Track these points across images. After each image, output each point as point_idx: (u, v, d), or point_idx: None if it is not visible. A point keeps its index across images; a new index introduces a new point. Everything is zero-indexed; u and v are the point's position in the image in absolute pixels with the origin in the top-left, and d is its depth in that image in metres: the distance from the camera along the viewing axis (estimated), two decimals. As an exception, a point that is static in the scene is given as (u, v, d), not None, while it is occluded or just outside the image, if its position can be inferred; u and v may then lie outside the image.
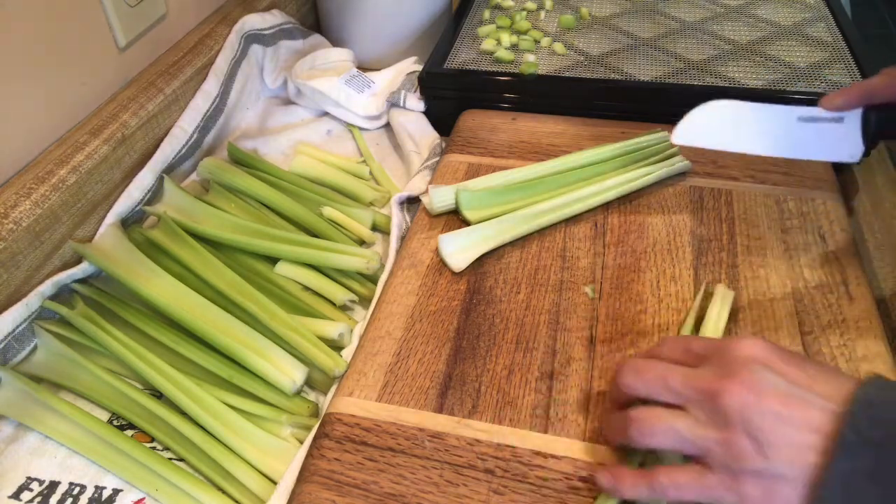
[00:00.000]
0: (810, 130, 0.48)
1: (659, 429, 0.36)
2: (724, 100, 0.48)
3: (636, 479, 0.37)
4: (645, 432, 0.37)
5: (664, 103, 0.69)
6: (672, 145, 0.63)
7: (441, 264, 0.55)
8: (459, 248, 0.55)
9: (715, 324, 0.47)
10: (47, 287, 0.55)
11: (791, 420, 0.33)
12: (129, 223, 0.64)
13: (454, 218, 0.59)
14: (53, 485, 0.47)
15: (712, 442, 0.35)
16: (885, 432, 0.31)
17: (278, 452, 0.47)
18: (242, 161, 0.71)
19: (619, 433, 0.39)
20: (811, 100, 0.64)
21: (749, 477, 0.34)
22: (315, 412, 0.50)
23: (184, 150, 0.69)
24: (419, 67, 0.77)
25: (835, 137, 0.48)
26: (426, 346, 0.49)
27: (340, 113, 0.78)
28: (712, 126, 0.49)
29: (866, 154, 0.48)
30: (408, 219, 0.63)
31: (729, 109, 0.48)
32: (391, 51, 0.87)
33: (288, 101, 0.82)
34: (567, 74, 0.71)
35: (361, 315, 0.58)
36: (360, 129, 0.78)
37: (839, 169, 0.64)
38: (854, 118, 0.47)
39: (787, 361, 0.35)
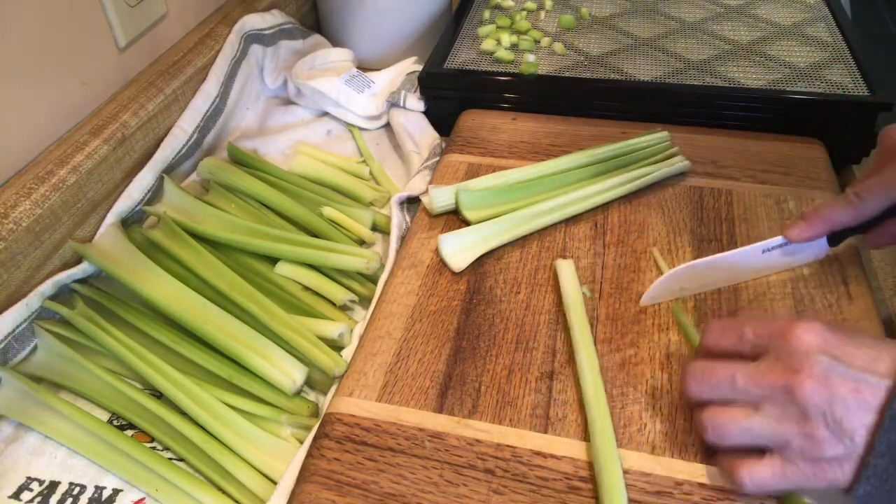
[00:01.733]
0: (776, 253, 0.49)
1: (734, 431, 0.38)
2: (690, 263, 0.49)
3: (722, 471, 0.40)
4: (720, 435, 0.38)
5: (664, 103, 0.69)
6: (672, 145, 0.63)
7: (441, 264, 0.55)
8: (459, 248, 0.55)
9: None
10: (47, 287, 0.55)
11: (862, 405, 0.35)
12: (129, 223, 0.64)
13: (454, 218, 0.59)
14: (53, 485, 0.47)
15: (791, 436, 0.36)
16: None
17: (278, 452, 0.47)
18: (242, 161, 0.71)
19: (700, 434, 0.40)
20: (811, 100, 0.65)
21: (833, 462, 0.35)
22: (315, 412, 0.50)
23: (184, 150, 0.69)
24: (419, 67, 0.77)
25: (800, 250, 0.49)
26: (426, 346, 0.49)
27: (340, 113, 0.78)
28: (681, 283, 0.49)
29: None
30: (408, 219, 0.63)
31: (695, 268, 0.49)
32: (391, 51, 0.87)
33: (288, 101, 0.82)
34: (567, 74, 0.71)
35: (361, 315, 0.58)
36: (360, 129, 0.78)
37: (839, 169, 0.64)
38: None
39: (842, 342, 0.37)
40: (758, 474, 0.37)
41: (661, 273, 0.51)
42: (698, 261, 0.49)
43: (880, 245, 0.49)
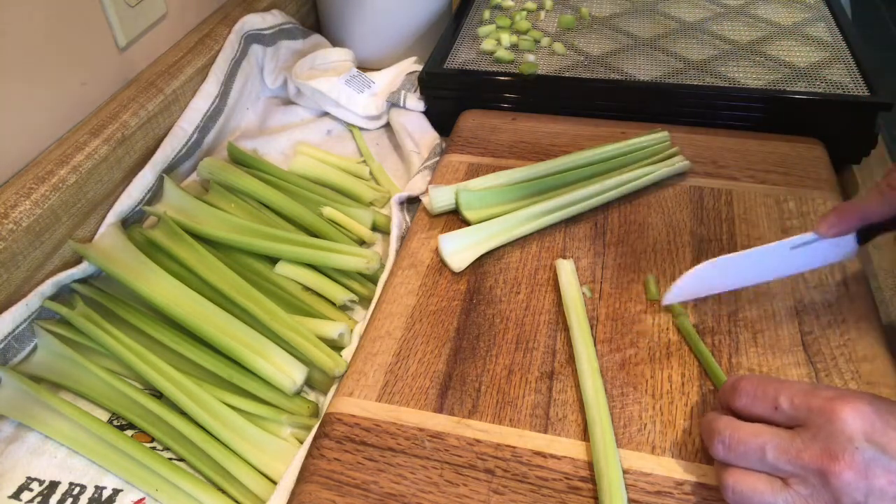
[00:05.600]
0: (805, 250, 0.47)
1: (756, 502, 0.36)
2: (715, 259, 0.47)
3: None
4: (740, 502, 0.36)
5: (664, 103, 0.69)
6: (672, 145, 0.63)
7: (441, 264, 0.55)
8: (459, 248, 0.55)
9: None
10: (47, 287, 0.55)
11: None
12: (129, 223, 0.64)
13: (454, 218, 0.59)
14: (53, 485, 0.47)
15: None
16: None
17: (278, 452, 0.47)
18: (242, 161, 0.71)
19: (720, 490, 0.38)
20: (811, 100, 0.65)
21: None
22: (315, 412, 0.51)
23: (184, 150, 0.69)
24: (419, 67, 0.77)
25: (829, 248, 0.47)
26: (426, 346, 0.49)
27: (340, 113, 0.78)
28: (706, 281, 0.47)
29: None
30: (408, 219, 0.63)
31: (721, 264, 0.47)
32: (391, 51, 0.87)
33: (288, 101, 0.82)
34: (567, 74, 0.71)
35: (361, 315, 0.58)
36: (360, 129, 0.78)
37: (839, 169, 0.64)
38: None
39: (889, 425, 0.34)
40: None
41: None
42: (723, 257, 0.47)
43: None
